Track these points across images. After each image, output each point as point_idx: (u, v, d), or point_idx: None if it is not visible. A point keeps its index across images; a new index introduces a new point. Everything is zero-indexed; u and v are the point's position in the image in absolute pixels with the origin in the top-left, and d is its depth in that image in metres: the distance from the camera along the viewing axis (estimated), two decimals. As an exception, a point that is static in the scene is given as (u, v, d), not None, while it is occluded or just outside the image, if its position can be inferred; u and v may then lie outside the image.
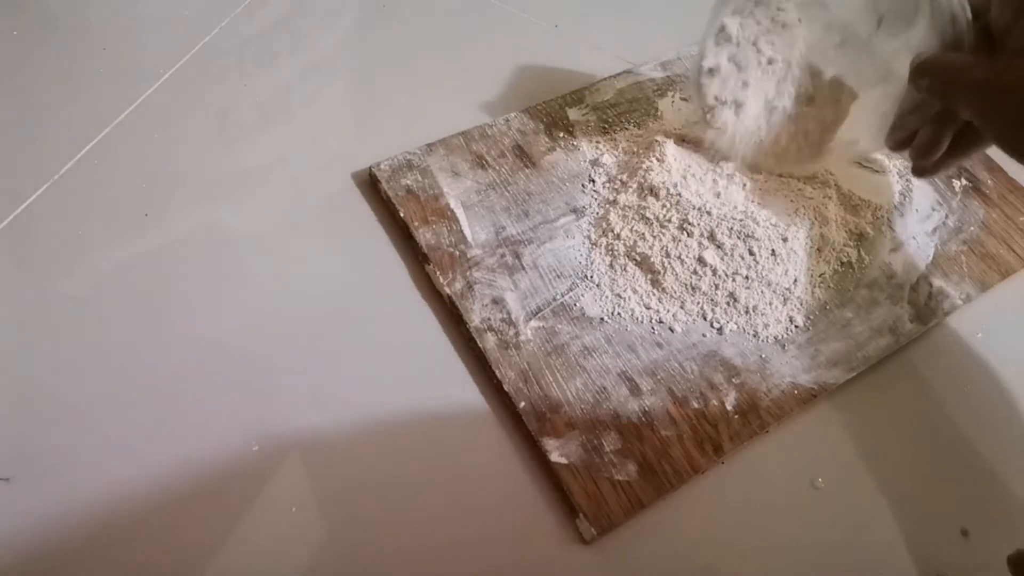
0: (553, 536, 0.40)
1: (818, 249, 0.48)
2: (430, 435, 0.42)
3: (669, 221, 0.47)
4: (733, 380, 0.44)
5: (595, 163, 0.52)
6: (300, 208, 0.50)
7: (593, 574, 0.39)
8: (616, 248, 0.47)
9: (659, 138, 0.50)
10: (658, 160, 0.49)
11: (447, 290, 0.45)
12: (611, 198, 0.50)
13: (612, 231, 0.48)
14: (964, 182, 0.55)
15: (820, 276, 0.48)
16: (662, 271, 0.46)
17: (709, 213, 0.47)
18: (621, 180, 0.50)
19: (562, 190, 0.51)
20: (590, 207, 0.50)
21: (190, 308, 0.45)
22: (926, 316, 0.48)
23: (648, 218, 0.47)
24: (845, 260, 0.49)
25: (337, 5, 0.61)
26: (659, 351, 0.45)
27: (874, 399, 0.46)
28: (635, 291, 0.46)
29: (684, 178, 0.48)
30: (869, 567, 0.41)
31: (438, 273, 0.46)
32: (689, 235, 0.46)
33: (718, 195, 0.48)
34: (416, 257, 0.48)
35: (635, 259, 0.47)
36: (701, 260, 0.46)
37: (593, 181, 0.51)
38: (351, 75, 0.57)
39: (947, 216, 0.53)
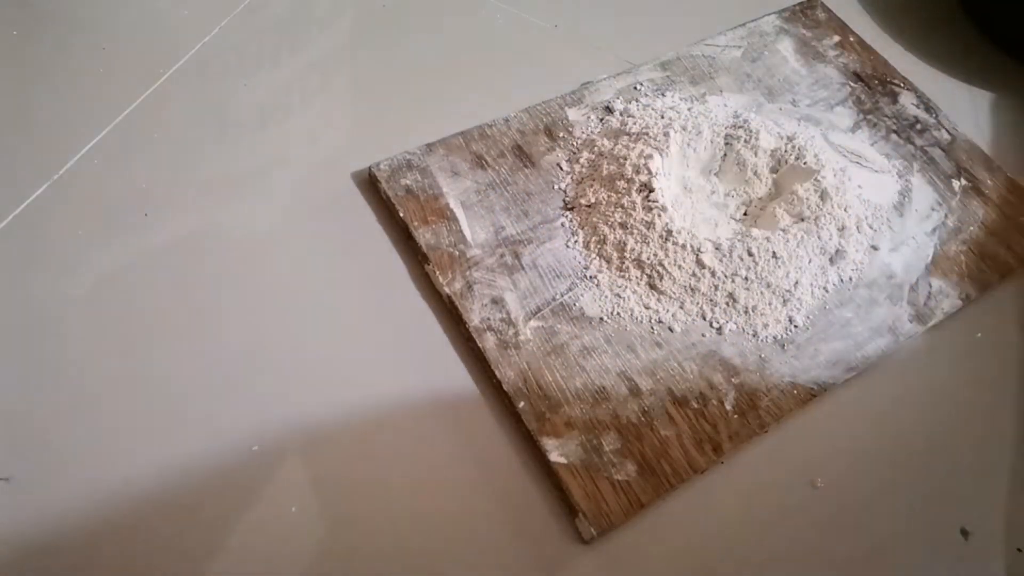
0: (553, 536, 0.40)
1: (830, 259, 0.48)
2: (430, 435, 0.42)
3: (668, 221, 0.47)
4: (732, 380, 0.44)
5: (595, 163, 0.52)
6: (300, 208, 0.50)
7: (593, 574, 0.39)
8: (615, 248, 0.47)
9: (659, 138, 0.50)
10: (658, 159, 0.49)
11: (447, 290, 0.45)
12: (612, 199, 0.49)
13: (612, 231, 0.48)
14: (964, 182, 0.55)
15: (823, 285, 0.48)
16: (661, 271, 0.46)
17: (708, 214, 0.47)
18: (622, 180, 0.50)
19: (562, 190, 0.51)
20: (590, 207, 0.50)
21: (190, 308, 0.45)
22: (926, 316, 0.48)
23: (647, 219, 0.47)
24: (853, 270, 0.49)
25: (337, 5, 0.61)
26: (658, 351, 0.45)
27: (874, 399, 0.46)
28: (634, 291, 0.46)
29: (685, 177, 0.48)
30: (869, 567, 0.41)
31: (438, 273, 0.46)
32: (688, 235, 0.46)
33: (716, 195, 0.48)
34: (416, 257, 0.48)
35: (634, 259, 0.47)
36: (700, 262, 0.46)
37: (594, 181, 0.51)
38: (351, 75, 0.57)
39: (947, 216, 0.53)
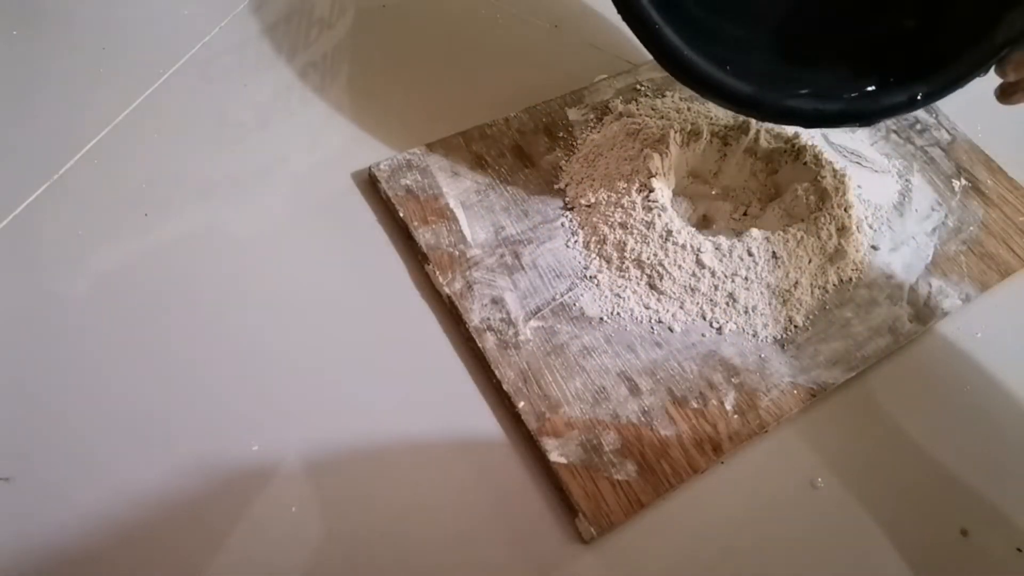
0: (553, 536, 0.40)
1: (829, 259, 0.48)
2: (429, 435, 0.42)
3: (668, 221, 0.47)
4: (732, 380, 0.44)
5: (595, 163, 0.52)
6: (300, 208, 0.50)
7: (593, 574, 0.39)
8: (615, 248, 0.47)
9: (659, 138, 0.50)
10: (658, 159, 0.49)
11: (446, 290, 0.45)
12: (612, 199, 0.49)
13: (612, 231, 0.48)
14: (964, 182, 0.55)
15: (822, 285, 0.48)
16: (661, 271, 0.46)
17: (707, 215, 0.47)
18: (622, 180, 0.50)
19: (561, 190, 0.51)
20: (590, 207, 0.50)
21: (190, 308, 0.45)
22: (925, 316, 0.48)
23: (647, 219, 0.47)
24: (853, 270, 0.49)
25: (337, 5, 0.61)
26: (658, 351, 0.45)
27: (874, 399, 0.46)
28: (634, 291, 0.46)
29: (685, 177, 0.48)
30: (869, 567, 0.41)
31: (437, 273, 0.46)
32: (688, 236, 0.46)
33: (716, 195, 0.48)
34: (416, 257, 0.48)
35: (634, 259, 0.47)
36: (700, 262, 0.46)
37: (594, 181, 0.51)
38: (351, 75, 0.57)
39: (946, 216, 0.53)
